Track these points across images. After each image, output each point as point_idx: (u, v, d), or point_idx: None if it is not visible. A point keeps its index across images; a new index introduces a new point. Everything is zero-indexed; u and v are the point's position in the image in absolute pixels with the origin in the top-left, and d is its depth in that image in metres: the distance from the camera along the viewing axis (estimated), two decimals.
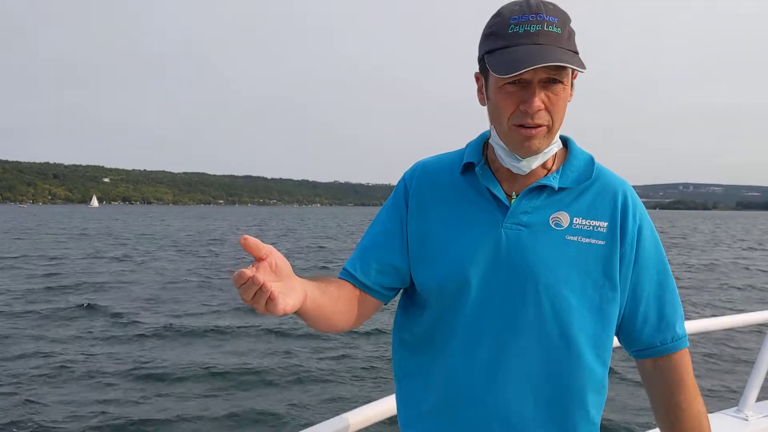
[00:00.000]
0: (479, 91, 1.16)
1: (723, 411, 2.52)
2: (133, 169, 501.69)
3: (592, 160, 1.19)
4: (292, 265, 0.90)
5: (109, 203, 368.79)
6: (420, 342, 1.21)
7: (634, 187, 1.19)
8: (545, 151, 1.11)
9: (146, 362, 7.61)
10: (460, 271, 1.14)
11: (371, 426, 1.49)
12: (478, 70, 1.15)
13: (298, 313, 0.97)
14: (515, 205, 1.14)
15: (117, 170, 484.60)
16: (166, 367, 7.38)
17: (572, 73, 1.09)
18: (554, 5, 1.07)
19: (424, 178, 1.25)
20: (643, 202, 1.19)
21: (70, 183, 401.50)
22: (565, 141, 1.22)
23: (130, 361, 7.65)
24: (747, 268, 20.40)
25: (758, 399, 2.50)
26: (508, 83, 1.05)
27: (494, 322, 1.12)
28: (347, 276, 1.21)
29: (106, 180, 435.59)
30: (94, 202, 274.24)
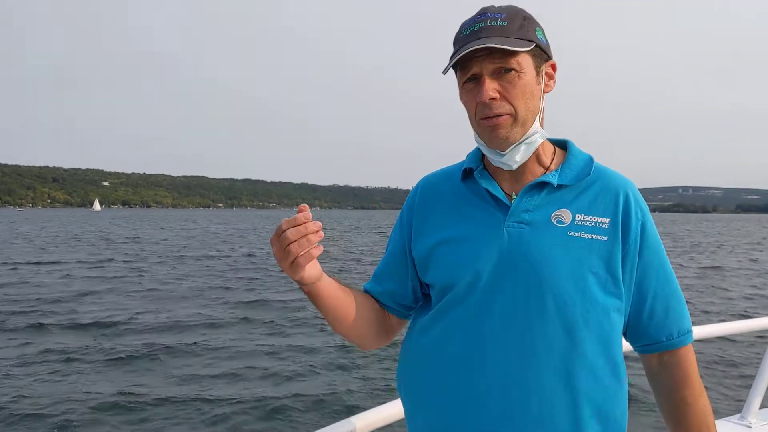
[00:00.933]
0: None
1: (726, 418, 2.49)
2: (133, 173, 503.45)
3: (591, 160, 1.21)
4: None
5: (109, 207, 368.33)
6: (427, 344, 1.22)
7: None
8: (527, 141, 1.14)
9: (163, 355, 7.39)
10: (465, 271, 1.15)
11: (377, 430, 1.50)
12: None
13: (315, 296, 1.12)
14: (516, 204, 1.16)
15: (116, 174, 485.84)
16: (178, 366, 7.19)
17: (537, 62, 1.13)
18: (509, 6, 1.13)
19: (426, 191, 1.30)
20: (647, 205, 1.21)
21: (70, 187, 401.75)
22: (564, 144, 1.25)
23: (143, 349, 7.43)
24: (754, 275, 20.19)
25: (762, 406, 2.47)
26: (466, 82, 1.12)
27: (499, 319, 1.13)
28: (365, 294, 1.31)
29: (106, 183, 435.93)
30: (96, 206, 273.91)
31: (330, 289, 1.13)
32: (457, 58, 1.08)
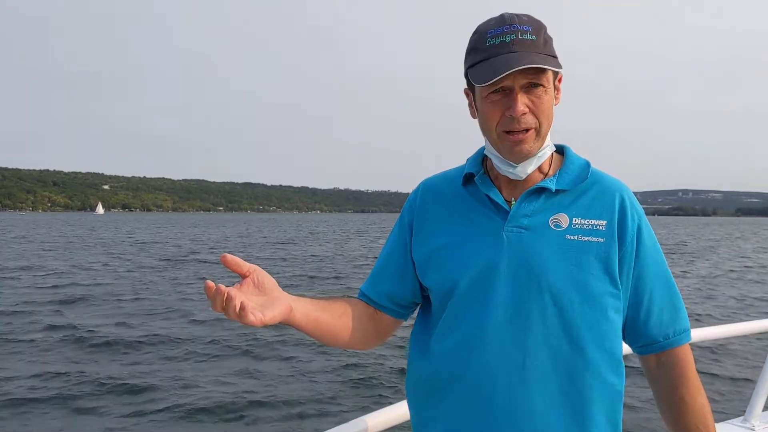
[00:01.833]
0: (469, 105, 1.22)
1: (729, 421, 2.50)
2: (133, 176, 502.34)
3: (587, 165, 1.23)
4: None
5: (109, 210, 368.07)
6: (430, 347, 1.23)
7: (633, 193, 1.23)
8: (538, 154, 1.16)
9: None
10: (464, 275, 1.17)
11: (388, 429, 1.51)
12: (466, 86, 1.21)
13: (294, 326, 1.08)
14: (515, 209, 1.18)
15: (116, 177, 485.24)
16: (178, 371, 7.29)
17: (555, 77, 1.15)
18: (528, 16, 1.13)
19: (427, 195, 1.31)
20: (642, 208, 1.22)
21: (70, 190, 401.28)
22: (561, 148, 1.27)
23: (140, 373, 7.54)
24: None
25: (765, 408, 2.46)
26: (492, 92, 1.12)
27: (500, 323, 1.14)
28: (361, 296, 1.33)
29: (106, 187, 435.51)
30: (99, 209, 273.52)
31: (306, 315, 1.11)
32: (504, 74, 1.07)
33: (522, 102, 1.10)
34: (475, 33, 1.15)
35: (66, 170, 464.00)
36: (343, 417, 5.92)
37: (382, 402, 6.22)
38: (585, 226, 1.15)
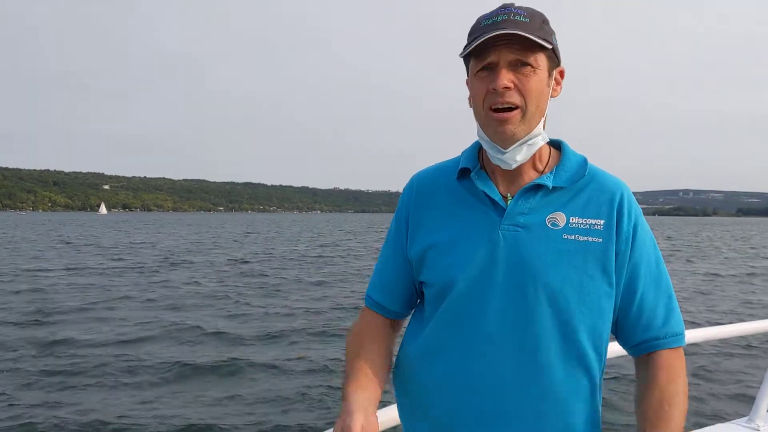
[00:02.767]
0: (469, 97, 1.20)
1: (734, 421, 2.48)
2: (133, 176, 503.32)
3: (585, 161, 1.21)
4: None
5: (109, 210, 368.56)
6: (423, 346, 1.23)
7: (633, 193, 1.22)
8: (528, 142, 1.14)
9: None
10: (460, 273, 1.16)
11: (388, 430, 1.51)
12: (467, 77, 1.20)
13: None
14: (511, 207, 1.16)
15: (117, 177, 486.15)
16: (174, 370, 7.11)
17: (552, 66, 1.14)
18: (529, 7, 1.14)
19: (421, 189, 1.28)
20: (642, 208, 1.21)
21: (70, 190, 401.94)
22: (558, 144, 1.25)
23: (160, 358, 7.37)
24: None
25: None
26: (480, 70, 1.12)
27: (495, 323, 1.14)
28: (377, 307, 1.31)
29: (106, 187, 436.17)
30: (103, 209, 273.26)
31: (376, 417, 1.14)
32: (479, 42, 1.07)
33: (506, 77, 1.09)
34: (474, 23, 1.17)
35: (66, 170, 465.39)
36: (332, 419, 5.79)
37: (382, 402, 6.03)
38: (582, 226, 1.14)
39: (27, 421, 5.66)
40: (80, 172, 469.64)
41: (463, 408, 1.15)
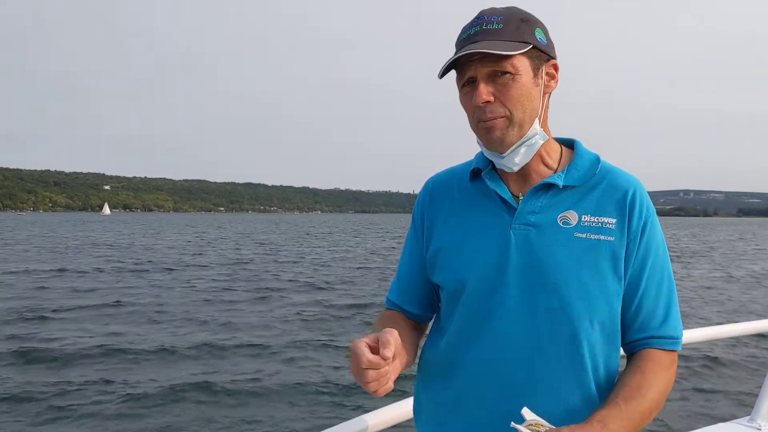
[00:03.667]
0: None
1: (736, 420, 2.48)
2: (134, 177, 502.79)
3: (597, 159, 1.20)
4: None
5: (110, 211, 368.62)
6: (438, 344, 1.24)
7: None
8: (526, 144, 1.14)
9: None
10: (471, 273, 1.16)
11: (389, 428, 1.51)
12: None
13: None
14: (522, 206, 1.16)
15: (118, 178, 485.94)
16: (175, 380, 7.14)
17: (535, 63, 1.13)
18: (507, 8, 1.13)
19: (435, 192, 1.30)
20: (653, 206, 1.20)
21: (71, 191, 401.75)
22: (571, 143, 1.25)
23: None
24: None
25: None
26: (464, 86, 1.13)
27: (507, 322, 1.13)
28: (400, 310, 1.32)
29: (107, 187, 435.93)
30: (106, 210, 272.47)
31: (399, 367, 1.09)
32: (448, 62, 1.09)
33: (485, 91, 1.09)
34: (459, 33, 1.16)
35: (67, 170, 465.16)
36: (344, 415, 5.87)
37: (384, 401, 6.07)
38: (595, 224, 1.13)
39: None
40: (81, 173, 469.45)
41: (484, 412, 1.15)
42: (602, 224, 1.13)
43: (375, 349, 0.99)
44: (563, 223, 1.14)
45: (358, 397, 6.51)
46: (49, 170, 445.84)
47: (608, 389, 1.13)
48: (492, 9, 1.13)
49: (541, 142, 1.16)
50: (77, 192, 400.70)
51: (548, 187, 1.16)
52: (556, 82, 1.17)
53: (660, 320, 1.16)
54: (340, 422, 1.44)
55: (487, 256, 1.15)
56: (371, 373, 0.97)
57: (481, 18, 1.11)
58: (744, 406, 6.29)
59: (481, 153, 1.25)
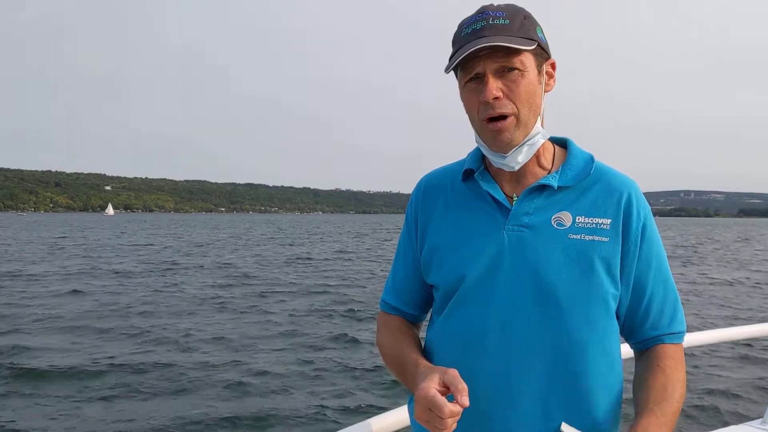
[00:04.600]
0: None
1: (747, 423, 2.48)
2: (135, 177, 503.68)
3: (591, 159, 1.20)
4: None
5: (105, 211, 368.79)
6: (431, 346, 1.24)
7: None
8: (529, 143, 1.13)
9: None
10: (464, 275, 1.15)
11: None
12: None
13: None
14: (516, 207, 1.15)
15: (118, 178, 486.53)
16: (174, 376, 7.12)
17: (540, 62, 1.13)
18: (508, 4, 1.13)
19: (428, 192, 1.29)
20: (649, 205, 1.20)
21: (72, 191, 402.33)
22: (564, 142, 1.24)
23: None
24: None
25: None
26: (469, 81, 1.11)
27: (500, 323, 1.13)
28: (393, 311, 1.32)
29: (108, 188, 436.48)
30: (110, 210, 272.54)
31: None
32: (462, 56, 1.07)
33: (495, 86, 1.07)
34: (456, 28, 1.15)
35: (68, 171, 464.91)
36: (346, 420, 5.84)
37: (387, 406, 6.05)
38: (589, 225, 1.13)
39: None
40: (82, 173, 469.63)
41: (478, 413, 1.14)
42: (596, 225, 1.13)
43: (444, 392, 0.98)
44: (557, 225, 1.13)
45: (362, 399, 6.48)
46: (50, 170, 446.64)
47: (601, 388, 1.13)
48: (494, 5, 1.12)
49: (542, 140, 1.15)
50: (78, 192, 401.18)
51: (542, 188, 1.16)
52: (554, 81, 1.17)
53: (669, 317, 1.18)
54: (343, 427, 1.42)
55: (481, 257, 1.15)
56: (450, 423, 0.95)
57: (486, 13, 1.10)
58: (756, 404, 6.26)
59: (474, 152, 1.25)
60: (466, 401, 0.95)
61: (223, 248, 32.94)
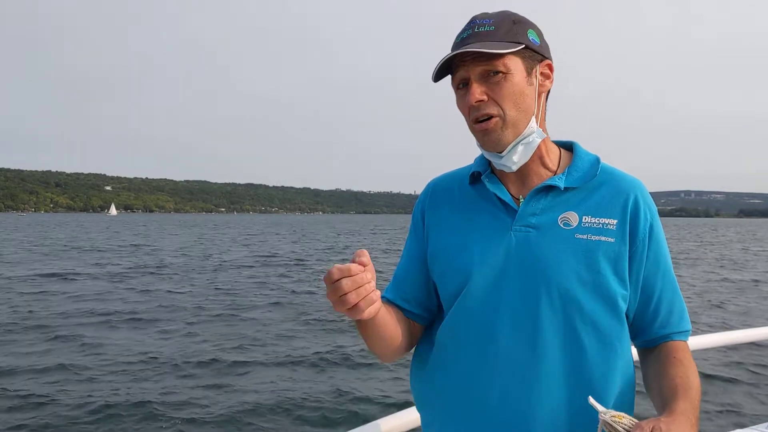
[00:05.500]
0: None
1: (753, 427, 2.48)
2: (135, 177, 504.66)
3: (597, 160, 1.22)
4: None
5: (108, 211, 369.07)
6: (439, 348, 1.23)
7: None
8: (523, 142, 1.15)
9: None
10: (472, 277, 1.16)
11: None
12: None
13: (365, 328, 1.13)
14: (523, 208, 1.17)
15: (119, 178, 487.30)
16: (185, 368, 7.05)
17: (528, 63, 1.14)
18: (501, 12, 1.16)
19: (436, 195, 1.31)
20: (655, 206, 1.21)
21: (72, 191, 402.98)
22: (570, 146, 1.26)
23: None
24: None
25: None
26: (458, 88, 1.16)
27: (509, 324, 1.14)
28: (390, 304, 1.29)
29: (108, 188, 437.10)
30: (113, 210, 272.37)
31: (382, 318, 1.13)
32: (439, 64, 1.12)
33: (478, 90, 1.11)
34: None
35: (68, 171, 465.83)
36: (356, 420, 5.80)
37: (396, 407, 5.98)
38: (595, 225, 1.14)
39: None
40: (82, 173, 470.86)
41: (480, 412, 1.15)
42: (603, 225, 1.14)
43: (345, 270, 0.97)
44: (564, 224, 1.14)
45: (370, 404, 6.43)
46: (50, 171, 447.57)
47: (616, 389, 1.14)
48: (484, 13, 1.16)
49: (539, 140, 1.17)
50: (78, 193, 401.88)
51: (549, 189, 1.17)
52: (551, 81, 1.18)
53: (678, 316, 1.21)
54: (353, 427, 1.43)
55: (488, 258, 1.16)
56: (346, 282, 0.94)
57: (474, 22, 1.14)
58: (763, 407, 6.22)
59: (481, 156, 1.27)
60: (363, 259, 0.97)
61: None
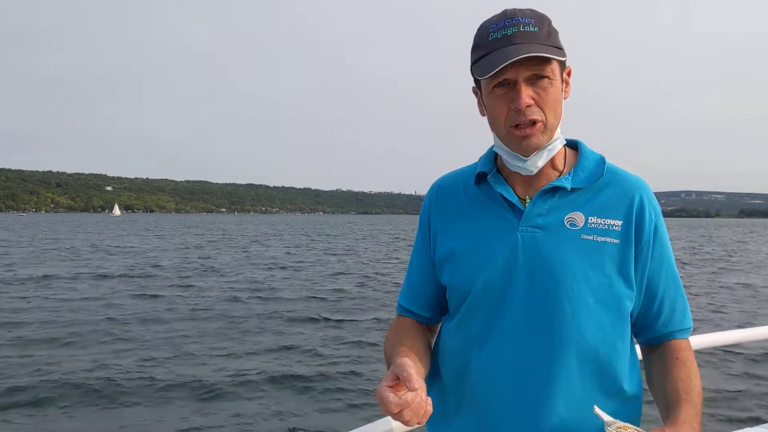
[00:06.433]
0: (478, 104, 1.22)
1: (754, 428, 2.49)
2: (136, 178, 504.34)
3: (603, 160, 1.22)
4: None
5: (111, 211, 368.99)
6: (446, 348, 1.25)
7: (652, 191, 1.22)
8: (548, 147, 1.15)
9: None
10: (480, 276, 1.17)
11: (414, 428, 1.48)
12: (474, 85, 1.22)
13: None
14: (529, 208, 1.17)
15: (119, 179, 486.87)
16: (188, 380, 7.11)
17: (562, 70, 1.15)
18: (531, 10, 1.14)
19: (440, 197, 1.31)
20: (660, 206, 1.22)
21: (73, 191, 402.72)
22: (575, 144, 1.26)
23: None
24: None
25: None
26: (497, 86, 1.12)
27: (515, 324, 1.14)
28: (409, 314, 1.33)
29: (109, 188, 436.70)
30: (116, 210, 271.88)
31: (417, 368, 1.08)
32: (503, 65, 1.06)
33: (527, 94, 1.09)
34: (478, 30, 1.15)
35: (69, 171, 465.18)
36: (368, 416, 5.84)
37: None
38: (601, 226, 1.15)
39: None
40: (83, 173, 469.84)
41: (486, 407, 1.17)
42: (608, 226, 1.15)
43: (400, 386, 0.99)
44: (570, 225, 1.15)
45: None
46: (51, 171, 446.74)
47: (614, 387, 1.16)
48: (521, 10, 1.13)
49: (560, 146, 1.18)
50: (79, 193, 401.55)
51: (555, 190, 1.18)
52: (570, 88, 1.19)
53: (681, 314, 1.22)
54: (365, 423, 1.44)
55: (495, 258, 1.16)
56: (406, 413, 0.97)
57: (516, 18, 1.10)
58: (764, 409, 6.25)
59: (486, 155, 1.27)
60: (414, 384, 0.97)
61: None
